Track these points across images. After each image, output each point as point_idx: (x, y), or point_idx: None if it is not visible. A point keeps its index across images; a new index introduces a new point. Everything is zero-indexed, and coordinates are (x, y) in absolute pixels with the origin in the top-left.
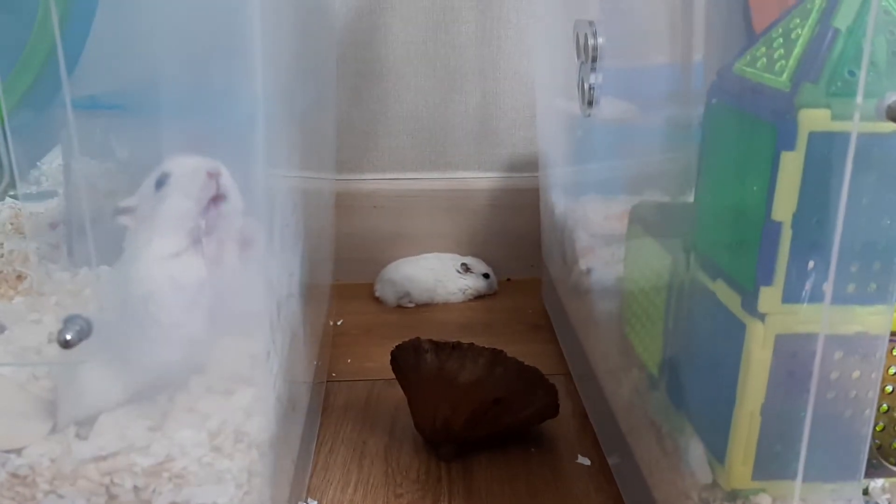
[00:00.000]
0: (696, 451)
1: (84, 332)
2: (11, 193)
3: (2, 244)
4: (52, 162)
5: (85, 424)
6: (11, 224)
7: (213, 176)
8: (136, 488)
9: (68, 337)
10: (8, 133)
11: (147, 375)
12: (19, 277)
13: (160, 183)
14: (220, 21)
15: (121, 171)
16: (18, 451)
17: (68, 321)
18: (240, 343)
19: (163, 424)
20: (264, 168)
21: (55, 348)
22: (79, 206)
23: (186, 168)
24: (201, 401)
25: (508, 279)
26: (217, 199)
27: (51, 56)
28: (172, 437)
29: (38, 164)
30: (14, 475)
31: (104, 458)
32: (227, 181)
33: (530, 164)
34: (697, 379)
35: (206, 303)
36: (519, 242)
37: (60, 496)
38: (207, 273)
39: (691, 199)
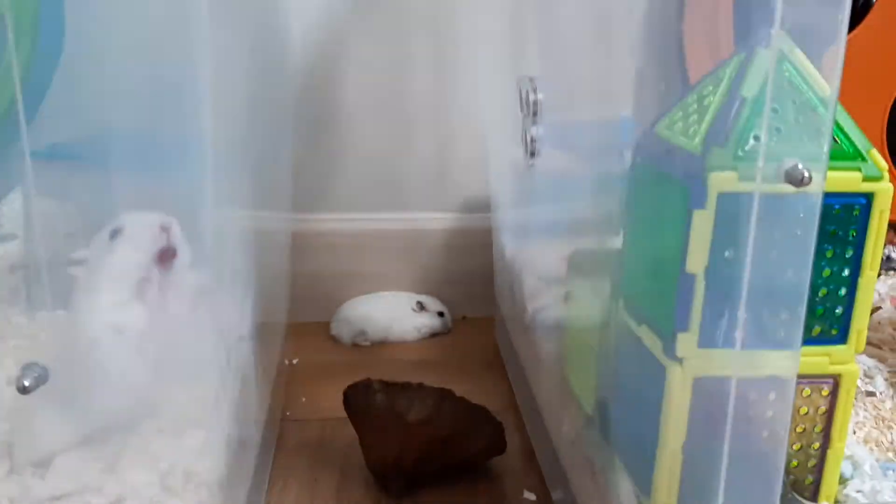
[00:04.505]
0: (624, 487)
1: (41, 379)
2: None
3: None
4: (12, 204)
5: (41, 465)
6: None
7: (165, 229)
8: None
9: (26, 383)
10: None
11: (98, 420)
12: None
13: (113, 235)
14: (172, 75)
15: (77, 217)
16: None
17: (26, 368)
18: (189, 387)
19: (115, 465)
20: (214, 216)
21: (12, 391)
22: (37, 251)
23: (140, 221)
24: (152, 442)
25: (464, 317)
26: (166, 252)
27: (10, 106)
28: (125, 478)
29: None
30: None
31: (59, 497)
32: (178, 235)
33: (484, 205)
34: (625, 418)
35: (151, 351)
36: (473, 281)
37: None
38: (152, 322)
39: (619, 248)
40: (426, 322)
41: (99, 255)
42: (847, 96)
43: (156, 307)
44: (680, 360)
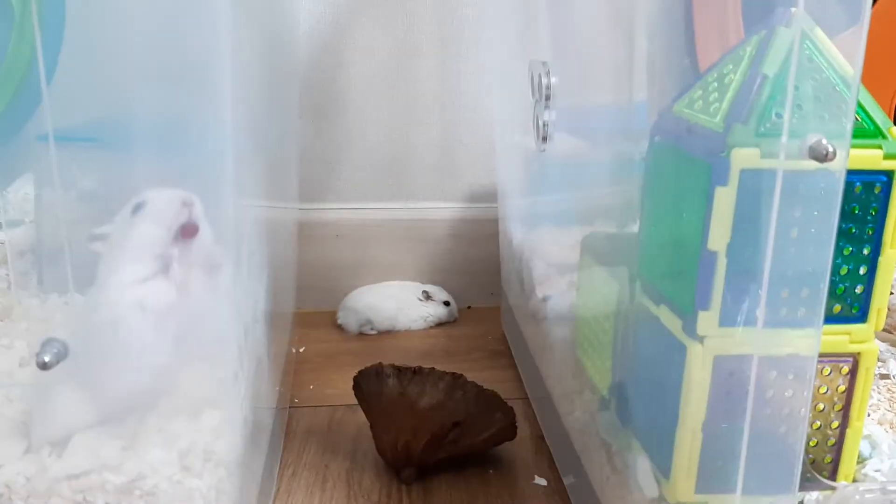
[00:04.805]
0: (643, 468)
1: (61, 355)
2: None
3: None
4: (19, 191)
5: (59, 444)
6: None
7: (188, 205)
8: None
9: (46, 359)
10: None
11: (118, 399)
12: None
13: (136, 210)
14: (192, 57)
15: (90, 202)
16: None
17: (46, 344)
18: (208, 366)
19: (134, 444)
20: (233, 199)
21: (27, 372)
22: (51, 234)
23: (162, 197)
24: (171, 421)
25: (469, 307)
26: (188, 227)
27: (18, 90)
28: (143, 457)
29: (3, 193)
30: None
31: (77, 476)
32: (199, 212)
33: (490, 195)
34: (644, 398)
35: (173, 328)
36: (479, 271)
37: None
38: (174, 298)
39: (636, 230)
40: (432, 311)
41: (121, 231)
42: None
43: (177, 284)
44: (700, 339)
